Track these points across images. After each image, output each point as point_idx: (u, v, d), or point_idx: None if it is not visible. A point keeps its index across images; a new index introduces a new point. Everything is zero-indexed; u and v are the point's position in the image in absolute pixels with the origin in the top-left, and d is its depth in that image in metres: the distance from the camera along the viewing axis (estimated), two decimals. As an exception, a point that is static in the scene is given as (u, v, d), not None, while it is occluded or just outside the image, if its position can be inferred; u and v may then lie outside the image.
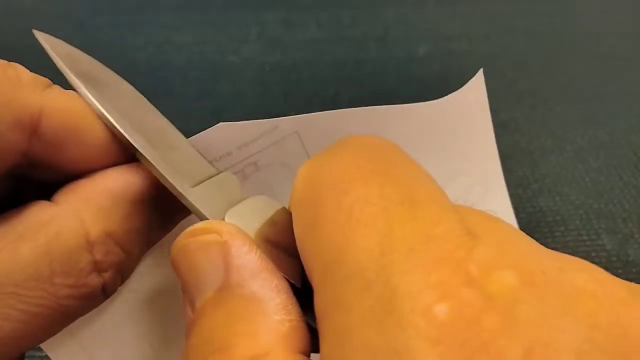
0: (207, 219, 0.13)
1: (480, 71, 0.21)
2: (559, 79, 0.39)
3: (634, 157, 0.33)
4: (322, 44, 0.43)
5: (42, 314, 0.13)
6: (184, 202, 0.13)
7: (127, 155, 0.14)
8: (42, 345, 0.15)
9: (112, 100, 0.14)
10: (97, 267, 0.13)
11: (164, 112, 0.39)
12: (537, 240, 0.32)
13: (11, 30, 0.44)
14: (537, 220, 0.30)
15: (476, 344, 0.08)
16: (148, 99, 0.34)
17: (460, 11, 0.47)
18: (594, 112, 0.36)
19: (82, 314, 0.14)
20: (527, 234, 0.32)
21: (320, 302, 0.10)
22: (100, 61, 0.41)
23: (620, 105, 0.37)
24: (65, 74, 0.15)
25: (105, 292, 0.14)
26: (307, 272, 0.11)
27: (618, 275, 0.27)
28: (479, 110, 0.22)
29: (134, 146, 0.13)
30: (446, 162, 0.20)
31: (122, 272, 0.14)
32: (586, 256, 0.28)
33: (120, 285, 0.15)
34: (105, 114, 0.14)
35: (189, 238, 0.12)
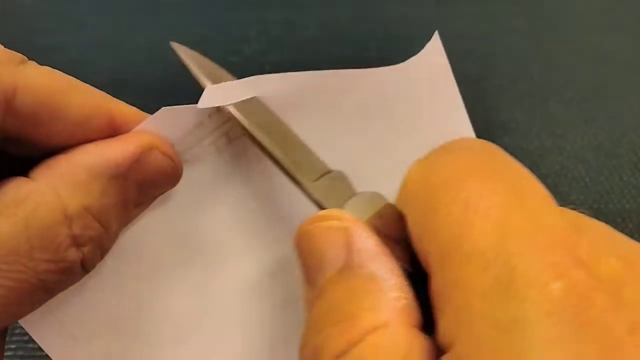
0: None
1: (436, 34, 0.21)
2: (558, 78, 0.39)
3: (634, 157, 0.33)
4: (323, 44, 0.43)
5: (21, 288, 0.13)
6: (306, 194, 0.15)
7: (104, 131, 0.15)
8: (21, 322, 0.16)
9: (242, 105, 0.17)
10: (76, 242, 0.14)
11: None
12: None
13: (11, 29, 0.44)
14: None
15: (586, 317, 0.10)
16: (150, 98, 0.34)
17: (460, 11, 0.47)
18: (594, 112, 0.37)
19: (62, 289, 0.15)
20: (527, 233, 0.32)
21: (437, 282, 0.12)
22: (100, 61, 0.42)
23: (620, 106, 0.37)
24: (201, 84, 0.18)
25: (84, 267, 0.14)
26: (422, 258, 0.13)
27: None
28: (441, 75, 0.22)
29: (267, 149, 0.16)
30: (412, 131, 0.20)
31: (101, 247, 0.15)
32: (586, 256, 0.28)
33: (100, 260, 0.15)
34: (247, 124, 0.17)
35: (313, 224, 0.14)
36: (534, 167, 0.33)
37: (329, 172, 0.16)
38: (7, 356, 0.24)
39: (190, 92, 0.39)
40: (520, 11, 0.47)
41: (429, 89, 0.21)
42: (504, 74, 0.40)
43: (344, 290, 0.13)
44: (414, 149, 0.15)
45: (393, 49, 0.42)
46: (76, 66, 0.41)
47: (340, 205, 0.15)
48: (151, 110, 0.40)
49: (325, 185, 0.15)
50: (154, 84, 0.39)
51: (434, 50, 0.20)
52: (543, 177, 0.32)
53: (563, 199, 0.31)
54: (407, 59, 0.44)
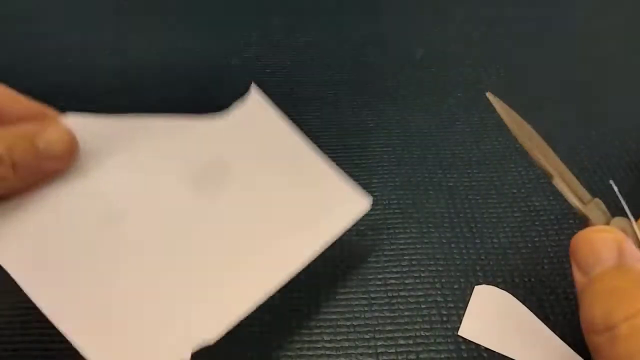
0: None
1: (253, 85, 0.27)
2: (553, 80, 0.40)
3: (627, 158, 0.34)
4: (322, 48, 0.44)
5: None
6: (582, 214, 0.22)
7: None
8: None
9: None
10: None
11: (168, 114, 0.40)
12: (531, 239, 0.33)
13: (15, 33, 0.45)
14: (531, 219, 0.30)
15: None
16: (152, 102, 0.36)
17: (456, 15, 0.48)
18: (588, 113, 0.37)
19: None
20: (522, 232, 0.33)
21: None
22: (104, 63, 0.43)
23: (614, 106, 0.38)
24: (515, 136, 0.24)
25: None
26: None
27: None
28: (268, 122, 0.27)
29: (552, 174, 0.23)
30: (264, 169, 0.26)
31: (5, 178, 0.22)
32: (580, 254, 0.28)
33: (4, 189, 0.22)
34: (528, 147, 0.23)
35: (593, 233, 0.20)
36: (529, 167, 0.33)
37: (591, 199, 0.22)
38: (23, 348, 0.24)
39: (193, 94, 0.40)
40: (516, 15, 0.47)
41: (264, 133, 0.26)
42: (499, 76, 0.41)
43: (620, 281, 0.19)
44: (271, 182, 0.24)
45: (391, 53, 0.43)
46: (80, 68, 0.41)
47: (605, 223, 0.22)
48: (152, 111, 0.40)
49: (592, 207, 0.22)
50: (156, 85, 0.39)
51: (255, 101, 0.27)
52: (537, 178, 0.32)
53: (557, 199, 0.31)
54: (404, 63, 0.45)
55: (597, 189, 0.32)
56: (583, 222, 0.22)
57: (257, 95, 0.27)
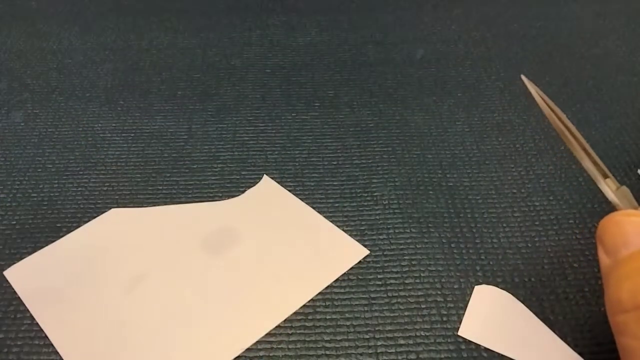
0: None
1: (265, 177, 0.32)
2: (553, 81, 0.40)
3: (626, 158, 0.34)
4: (322, 47, 0.44)
5: None
6: (609, 197, 0.22)
7: None
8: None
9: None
10: None
11: (168, 114, 0.41)
12: (531, 239, 0.33)
13: (18, 33, 0.45)
14: (531, 220, 0.30)
15: None
16: (152, 101, 0.36)
17: (456, 15, 0.48)
18: (588, 113, 0.37)
19: None
20: (522, 232, 0.33)
21: None
22: (106, 64, 0.43)
23: (613, 107, 0.38)
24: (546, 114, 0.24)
25: None
26: None
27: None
28: (280, 198, 0.31)
29: (582, 158, 0.22)
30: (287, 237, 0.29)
31: None
32: (580, 255, 0.28)
33: None
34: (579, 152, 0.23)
35: (621, 216, 0.20)
36: (529, 167, 0.33)
37: (619, 186, 0.22)
38: (14, 352, 0.24)
39: (194, 94, 0.40)
40: (515, 15, 0.47)
41: (272, 204, 0.31)
42: (499, 77, 0.41)
43: None
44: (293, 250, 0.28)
45: (391, 53, 0.43)
46: (82, 69, 0.41)
47: (634, 208, 0.22)
48: (153, 112, 0.40)
49: (621, 193, 0.22)
50: (156, 85, 0.39)
51: (267, 184, 0.32)
52: (537, 178, 0.32)
53: (557, 199, 0.31)
54: (404, 63, 0.45)
55: (598, 189, 0.32)
56: (611, 208, 0.22)
57: (268, 179, 0.32)
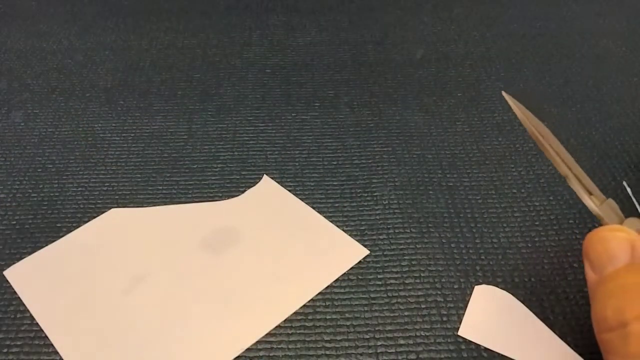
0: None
1: (265, 177, 0.32)
2: (553, 81, 0.40)
3: (626, 157, 0.34)
4: (322, 47, 0.44)
5: None
6: (596, 214, 0.22)
7: None
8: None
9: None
10: None
11: (168, 114, 0.41)
12: (531, 239, 0.33)
13: (18, 34, 0.45)
14: (531, 220, 0.30)
15: None
16: (152, 101, 0.36)
17: (456, 15, 0.48)
18: (588, 113, 0.37)
19: None
20: (522, 232, 0.33)
21: None
22: (106, 65, 0.44)
23: (613, 106, 0.38)
24: (527, 128, 0.23)
25: None
26: None
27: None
28: (280, 198, 0.31)
29: (566, 174, 0.22)
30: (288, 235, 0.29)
31: None
32: (580, 254, 0.28)
33: None
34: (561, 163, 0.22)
35: (606, 232, 0.20)
36: (529, 167, 0.33)
37: (605, 199, 0.22)
38: (13, 352, 0.24)
39: (194, 94, 0.40)
40: (515, 15, 0.48)
41: (272, 204, 0.31)
42: (499, 77, 0.41)
43: (636, 277, 0.19)
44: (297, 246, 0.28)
45: (391, 52, 0.43)
46: (82, 69, 0.41)
47: (619, 223, 0.22)
48: (153, 112, 0.40)
49: (605, 208, 0.22)
50: (156, 85, 0.39)
51: (268, 185, 0.32)
52: (537, 178, 0.32)
53: (557, 199, 0.31)
54: (403, 63, 0.45)
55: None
56: (597, 221, 0.22)
57: (268, 179, 0.32)
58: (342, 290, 0.27)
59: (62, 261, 0.28)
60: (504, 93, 0.24)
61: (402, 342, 0.25)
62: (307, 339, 0.25)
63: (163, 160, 0.34)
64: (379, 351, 0.25)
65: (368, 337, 0.25)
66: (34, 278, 0.27)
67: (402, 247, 0.29)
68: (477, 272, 0.28)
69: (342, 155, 0.34)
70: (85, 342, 0.25)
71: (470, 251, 0.29)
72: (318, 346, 0.25)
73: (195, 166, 0.33)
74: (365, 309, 0.26)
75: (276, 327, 0.25)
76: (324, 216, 0.30)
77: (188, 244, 0.29)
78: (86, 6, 0.49)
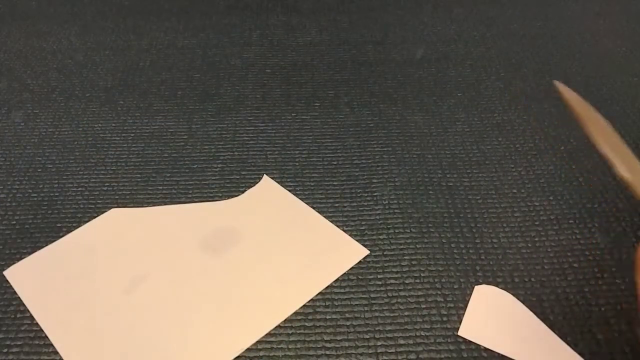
0: None
1: (265, 177, 0.32)
2: (553, 80, 0.40)
3: (626, 158, 0.34)
4: (322, 47, 0.44)
5: None
6: (630, 187, 0.20)
7: None
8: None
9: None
10: None
11: (168, 114, 0.41)
12: (531, 239, 0.33)
13: (18, 34, 0.45)
14: (531, 219, 0.30)
15: None
16: (152, 101, 0.36)
17: (456, 16, 0.48)
18: (588, 113, 0.37)
19: None
20: (522, 232, 0.33)
21: None
22: (106, 64, 0.43)
23: (613, 106, 0.38)
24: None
25: None
26: None
27: (611, 274, 0.28)
28: (280, 198, 0.31)
29: (614, 164, 0.21)
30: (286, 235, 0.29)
31: None
32: (580, 254, 0.28)
33: None
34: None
35: None
36: (529, 167, 0.33)
37: None
38: (13, 352, 0.24)
39: (194, 94, 0.40)
40: (514, 15, 0.48)
41: (279, 206, 0.31)
42: (499, 77, 0.41)
43: None
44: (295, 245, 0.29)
45: (391, 52, 0.43)
46: (82, 69, 0.41)
47: None
48: (153, 112, 0.40)
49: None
50: (156, 85, 0.39)
51: (268, 185, 0.32)
52: (537, 177, 0.32)
53: (557, 199, 0.31)
54: (404, 62, 0.45)
55: (597, 189, 0.32)
56: None
57: (268, 179, 0.32)
58: (342, 290, 0.27)
59: (62, 261, 0.28)
60: (556, 82, 0.24)
61: (402, 342, 0.25)
62: (307, 339, 0.25)
63: (163, 160, 0.34)
64: (379, 351, 0.25)
65: (368, 337, 0.25)
66: (34, 278, 0.27)
67: (402, 247, 0.29)
68: (477, 272, 0.28)
69: (342, 155, 0.34)
70: (85, 342, 0.25)
71: (470, 251, 0.29)
72: (318, 346, 0.25)
73: (195, 166, 0.33)
74: (365, 309, 0.26)
75: (276, 327, 0.25)
76: (324, 216, 0.30)
77: (188, 244, 0.29)
78: (86, 6, 0.49)
